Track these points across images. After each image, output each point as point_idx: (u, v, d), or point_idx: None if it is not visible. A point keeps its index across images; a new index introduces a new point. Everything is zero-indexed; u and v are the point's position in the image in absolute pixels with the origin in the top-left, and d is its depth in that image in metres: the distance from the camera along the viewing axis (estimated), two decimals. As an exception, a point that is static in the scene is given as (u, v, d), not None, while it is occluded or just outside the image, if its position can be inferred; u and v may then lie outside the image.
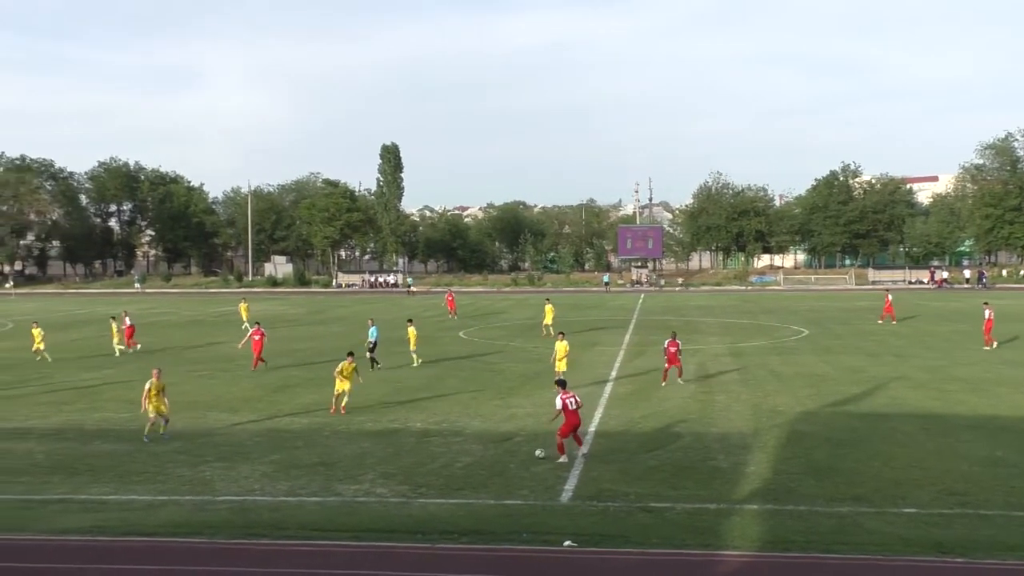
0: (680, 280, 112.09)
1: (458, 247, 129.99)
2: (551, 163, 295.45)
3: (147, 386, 22.51)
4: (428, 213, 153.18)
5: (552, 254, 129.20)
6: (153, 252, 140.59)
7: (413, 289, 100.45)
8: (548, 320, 47.32)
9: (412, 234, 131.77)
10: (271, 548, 14.41)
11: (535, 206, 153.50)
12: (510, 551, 14.20)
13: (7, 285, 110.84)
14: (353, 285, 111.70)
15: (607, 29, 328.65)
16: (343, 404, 25.64)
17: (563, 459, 19.50)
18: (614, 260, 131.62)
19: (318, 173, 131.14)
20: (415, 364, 35.54)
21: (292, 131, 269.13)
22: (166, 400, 22.80)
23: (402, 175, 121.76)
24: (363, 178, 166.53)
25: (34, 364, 37.19)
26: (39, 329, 39.22)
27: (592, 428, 23.20)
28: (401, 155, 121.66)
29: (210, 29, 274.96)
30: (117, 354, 39.97)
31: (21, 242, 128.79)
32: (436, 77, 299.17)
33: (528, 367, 35.18)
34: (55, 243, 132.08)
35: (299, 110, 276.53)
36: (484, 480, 18.28)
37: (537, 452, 19.67)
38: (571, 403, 19.66)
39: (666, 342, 30.71)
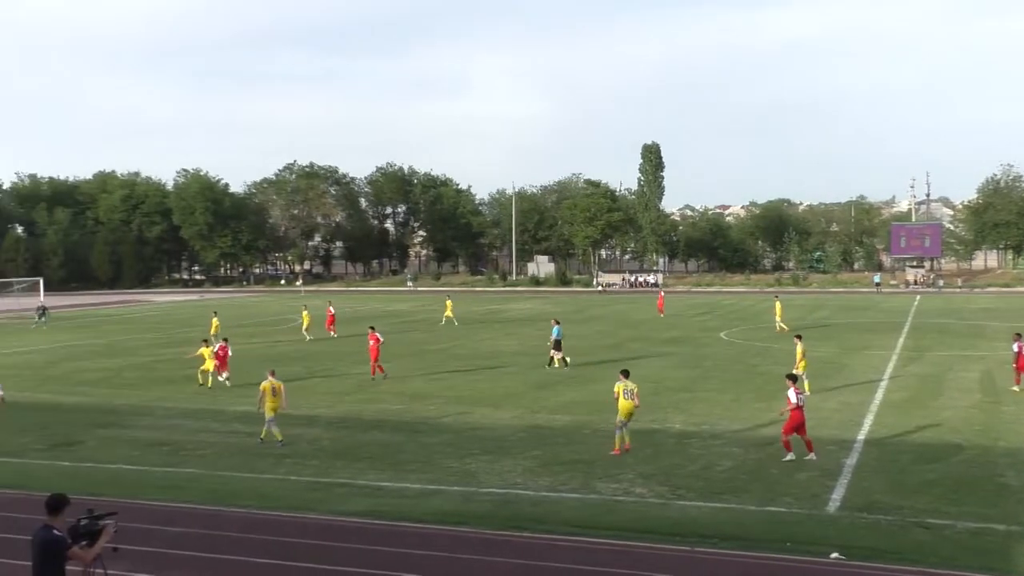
0: (959, 281, 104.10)
1: (719, 246, 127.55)
2: (818, 159, 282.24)
3: (262, 386, 22.59)
4: (689, 212, 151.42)
5: (818, 253, 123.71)
6: (424, 252, 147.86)
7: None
8: (779, 317, 49.45)
9: (672, 233, 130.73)
10: (533, 541, 14.75)
11: (800, 204, 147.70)
12: (772, 559, 13.76)
13: (297, 283, 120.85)
14: (613, 284, 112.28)
15: (879, 14, 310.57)
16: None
17: (790, 456, 19.30)
18: (886, 259, 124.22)
19: (580, 174, 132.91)
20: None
21: (555, 133, 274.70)
22: (284, 401, 22.82)
23: (663, 174, 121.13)
24: (624, 178, 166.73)
25: (320, 357, 40.09)
26: (307, 312, 49.78)
27: (861, 436, 22.05)
28: (662, 154, 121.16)
29: (477, 36, 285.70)
30: (307, 339, 47.18)
31: (309, 243, 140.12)
32: (699, 73, 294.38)
33: (791, 369, 33.92)
34: (338, 244, 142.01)
35: (562, 111, 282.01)
36: (745, 485, 17.83)
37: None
38: (800, 399, 19.70)
39: (1015, 345, 28.51)
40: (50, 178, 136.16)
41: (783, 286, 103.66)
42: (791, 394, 19.71)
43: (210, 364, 31.43)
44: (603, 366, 34.77)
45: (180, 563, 13.82)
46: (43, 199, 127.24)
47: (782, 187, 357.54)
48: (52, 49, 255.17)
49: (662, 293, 67.79)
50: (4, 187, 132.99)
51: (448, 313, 57.74)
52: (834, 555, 13.73)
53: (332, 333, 49.65)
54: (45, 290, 77.59)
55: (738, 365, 35.75)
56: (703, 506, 16.60)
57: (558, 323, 36.75)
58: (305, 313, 49.82)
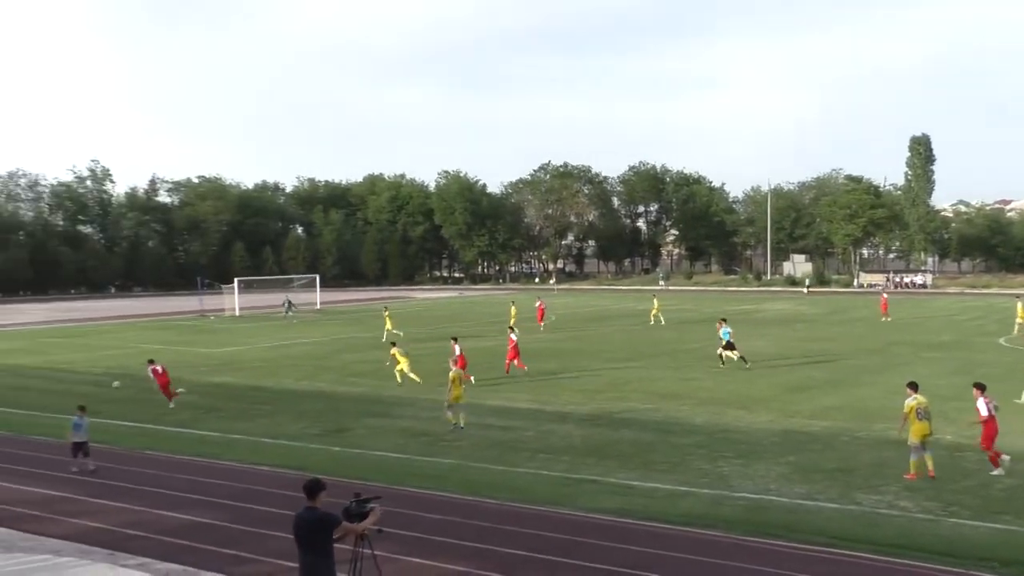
0: None
1: (998, 244, 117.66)
2: None
3: (451, 375, 24.56)
4: (963, 208, 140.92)
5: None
6: (676, 250, 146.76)
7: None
8: (1021, 318, 46.43)
9: (943, 231, 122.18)
10: (786, 550, 14.24)
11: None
12: (1059, 589, 12.54)
13: (551, 281, 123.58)
14: (876, 285, 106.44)
15: None
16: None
17: (999, 471, 18.01)
18: None
19: (840, 169, 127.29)
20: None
21: (813, 127, 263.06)
22: (462, 390, 24.50)
23: (933, 168, 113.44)
24: (889, 173, 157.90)
25: (572, 355, 40.65)
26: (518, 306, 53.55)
27: None
28: (933, 146, 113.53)
29: (733, 30, 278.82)
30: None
31: (563, 242, 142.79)
32: (974, 56, 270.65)
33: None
34: (591, 242, 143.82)
35: (820, 105, 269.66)
36: (1028, 505, 16.34)
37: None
38: (992, 408, 18.54)
39: None
40: (326, 181, 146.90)
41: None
42: (980, 404, 18.55)
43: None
44: (864, 371, 33.09)
45: (440, 549, 14.43)
46: (319, 201, 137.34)
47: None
48: (323, 59, 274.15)
49: (885, 296, 63.54)
50: (287, 190, 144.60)
51: (655, 312, 57.61)
52: None
53: (540, 326, 52.38)
54: (320, 286, 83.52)
55: (1018, 374, 32.85)
56: (979, 525, 15.37)
57: (726, 324, 36.02)
58: (513, 308, 53.54)
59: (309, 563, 9.66)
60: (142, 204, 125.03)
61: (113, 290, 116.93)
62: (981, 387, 19.04)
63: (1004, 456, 18.48)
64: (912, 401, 18.48)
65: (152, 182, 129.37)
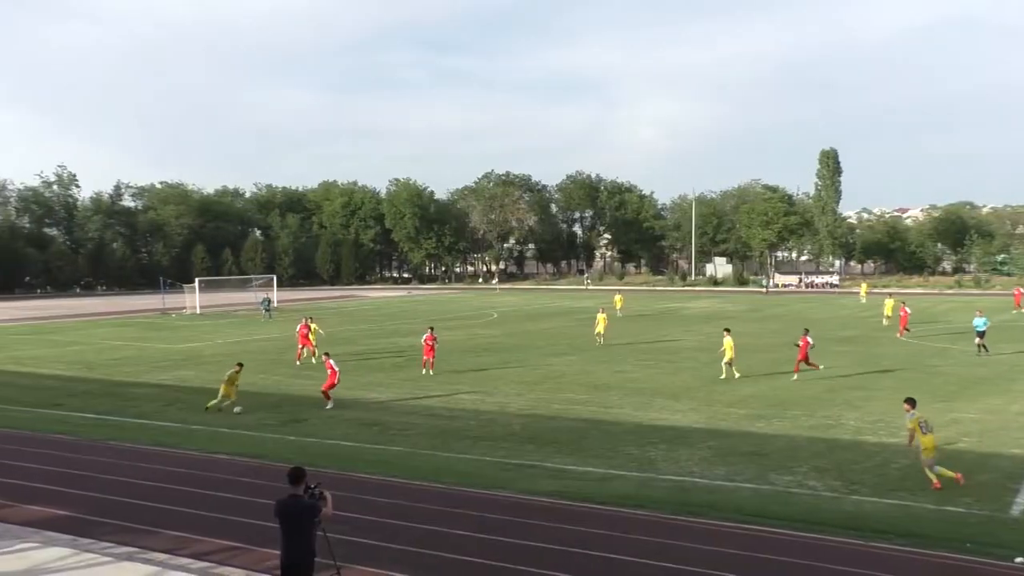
0: None
1: (896, 249, 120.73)
2: (1005, 158, 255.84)
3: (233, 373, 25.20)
4: (866, 216, 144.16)
5: (1002, 256, 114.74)
6: (609, 253, 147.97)
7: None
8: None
9: (849, 236, 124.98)
10: (708, 527, 14.44)
11: (984, 206, 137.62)
12: (950, 559, 12.88)
13: (493, 282, 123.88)
14: (789, 285, 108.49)
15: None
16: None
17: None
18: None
19: (758, 179, 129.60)
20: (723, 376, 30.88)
21: (735, 139, 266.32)
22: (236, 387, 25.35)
23: (840, 179, 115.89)
24: (801, 183, 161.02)
25: (512, 349, 40.70)
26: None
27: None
28: (840, 159, 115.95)
29: (610, 40, 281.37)
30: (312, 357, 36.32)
31: (505, 245, 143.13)
32: (874, 69, 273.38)
33: (972, 371, 31.74)
34: (531, 246, 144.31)
35: (741, 118, 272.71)
36: (922, 484, 16.73)
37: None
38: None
39: None
40: (283, 187, 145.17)
41: (963, 288, 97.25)
42: (908, 419, 17.36)
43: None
44: (780, 363, 33.68)
45: (387, 531, 14.36)
46: (277, 206, 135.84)
47: (964, 189, 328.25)
48: (273, 72, 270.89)
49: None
50: (246, 196, 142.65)
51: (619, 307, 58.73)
52: (1019, 559, 12.71)
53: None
54: (277, 286, 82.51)
55: (915, 365, 33.72)
56: (878, 502, 15.76)
57: (983, 314, 37.32)
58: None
59: (295, 545, 9.60)
60: (107, 208, 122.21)
61: (78, 289, 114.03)
62: (911, 402, 17.73)
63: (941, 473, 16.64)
64: (913, 417, 17.19)
65: (117, 187, 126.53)
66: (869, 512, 15.14)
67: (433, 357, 32.50)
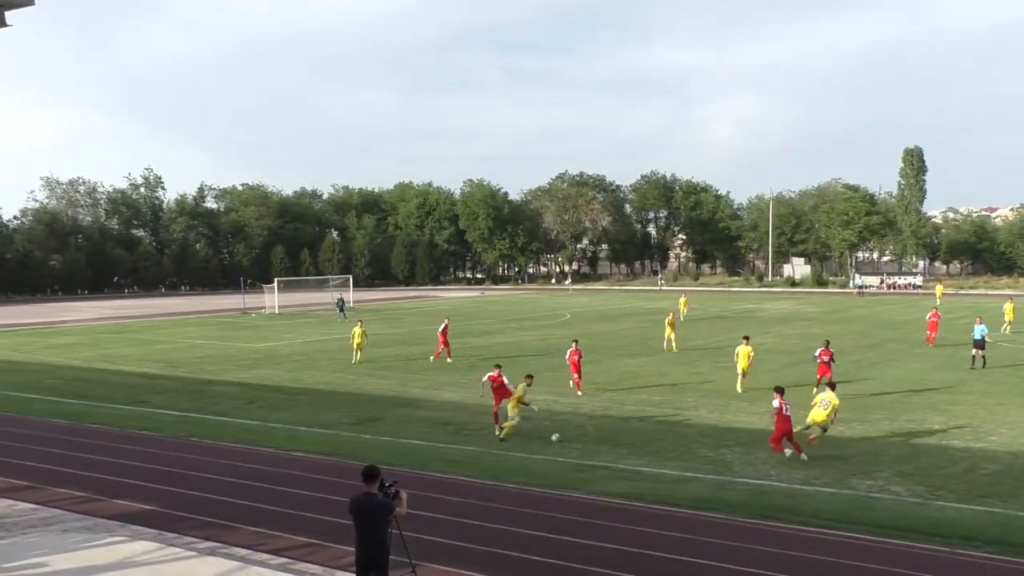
0: None
1: (984, 249, 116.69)
2: None
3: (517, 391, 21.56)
4: (951, 215, 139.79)
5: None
6: (684, 254, 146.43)
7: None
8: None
9: (934, 236, 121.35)
10: (786, 531, 14.17)
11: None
12: (1041, 569, 12.40)
13: (566, 282, 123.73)
14: (871, 286, 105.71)
15: None
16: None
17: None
18: None
19: (839, 178, 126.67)
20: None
21: (816, 138, 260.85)
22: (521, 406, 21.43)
23: (925, 177, 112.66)
24: (884, 182, 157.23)
25: (585, 350, 40.44)
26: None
27: None
28: (924, 157, 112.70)
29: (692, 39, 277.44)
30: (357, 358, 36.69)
31: (578, 246, 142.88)
32: (961, 64, 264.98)
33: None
34: (604, 246, 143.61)
35: (820, 116, 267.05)
36: (1012, 490, 16.17)
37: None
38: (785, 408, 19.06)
39: None
40: (359, 189, 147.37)
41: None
42: (775, 403, 19.54)
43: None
44: (861, 365, 32.86)
45: (460, 530, 14.44)
46: (353, 207, 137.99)
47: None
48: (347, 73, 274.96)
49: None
50: (323, 197, 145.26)
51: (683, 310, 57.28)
52: None
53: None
54: (353, 287, 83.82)
55: (1006, 368, 32.54)
56: (964, 508, 15.25)
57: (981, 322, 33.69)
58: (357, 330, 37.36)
59: (369, 542, 9.74)
60: (191, 209, 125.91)
61: (163, 289, 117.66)
62: (780, 390, 19.79)
63: (787, 451, 19.01)
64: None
65: (200, 189, 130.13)
66: (955, 518, 14.67)
67: (579, 375, 28.21)
